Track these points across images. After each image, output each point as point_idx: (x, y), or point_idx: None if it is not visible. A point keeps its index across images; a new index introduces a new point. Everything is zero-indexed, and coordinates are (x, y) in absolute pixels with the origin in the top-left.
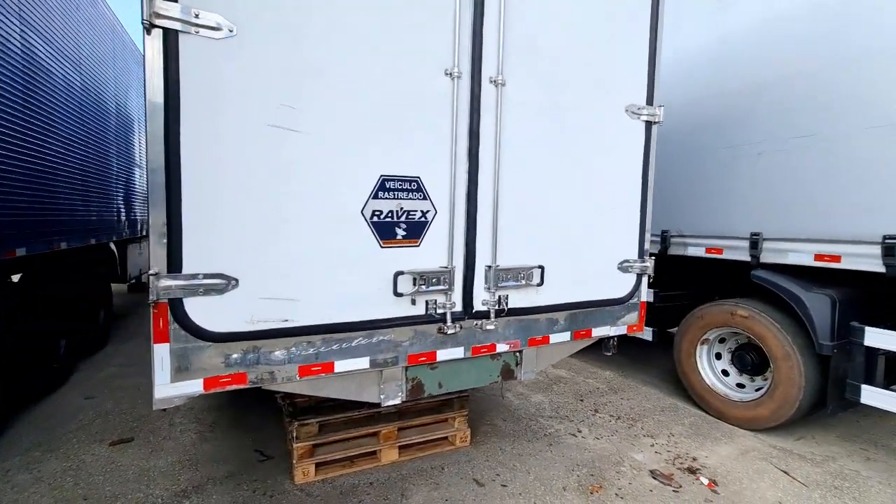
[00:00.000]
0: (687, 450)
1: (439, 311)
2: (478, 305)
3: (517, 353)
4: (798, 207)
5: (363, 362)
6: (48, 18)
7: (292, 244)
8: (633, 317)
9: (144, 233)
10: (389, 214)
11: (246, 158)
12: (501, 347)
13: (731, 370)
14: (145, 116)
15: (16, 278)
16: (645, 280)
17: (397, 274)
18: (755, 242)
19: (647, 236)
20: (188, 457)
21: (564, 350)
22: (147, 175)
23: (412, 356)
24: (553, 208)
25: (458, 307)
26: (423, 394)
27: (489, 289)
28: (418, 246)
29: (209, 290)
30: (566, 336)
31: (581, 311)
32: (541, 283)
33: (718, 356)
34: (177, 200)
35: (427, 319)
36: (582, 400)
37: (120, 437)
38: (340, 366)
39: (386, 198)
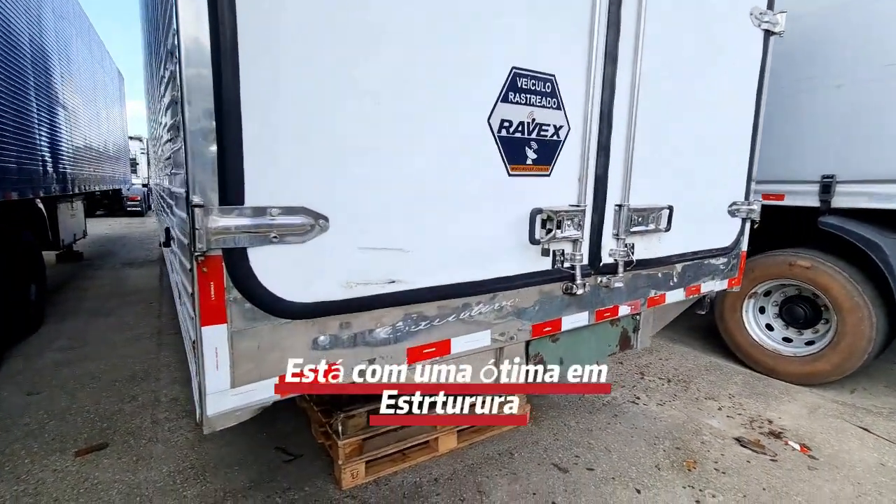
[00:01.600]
0: (757, 411)
1: (567, 264)
2: (605, 257)
3: (636, 317)
4: (884, 146)
5: (484, 338)
6: None
7: (400, 166)
8: (734, 269)
9: (77, 189)
10: (520, 128)
11: (334, 19)
12: (623, 310)
13: (777, 324)
14: None
15: None
16: (748, 226)
17: (535, 213)
18: (827, 186)
19: (755, 175)
20: (189, 463)
21: (674, 311)
22: (178, 49)
23: (536, 326)
24: (678, 133)
25: (585, 260)
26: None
27: (618, 235)
28: (549, 175)
29: (286, 235)
30: (680, 293)
31: (694, 263)
32: (668, 228)
33: (762, 310)
34: (232, 91)
35: (556, 276)
36: (621, 363)
37: (88, 443)
38: (458, 344)
39: (517, 102)
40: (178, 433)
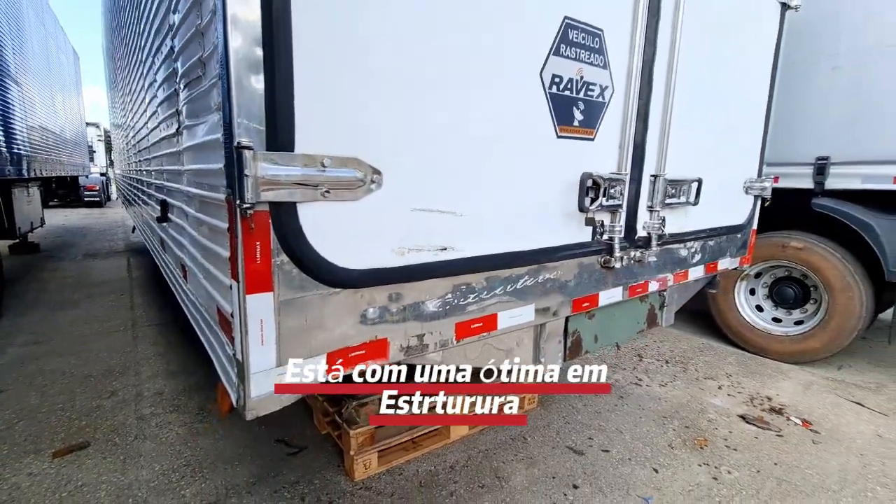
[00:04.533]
0: (755, 389)
1: (606, 236)
2: (639, 230)
3: (662, 294)
4: (880, 128)
5: (528, 312)
6: None
7: (456, 118)
8: (746, 247)
9: (34, 173)
10: (569, 85)
11: None
12: (653, 286)
13: (766, 305)
14: None
15: None
16: (759, 204)
17: (585, 177)
18: (822, 168)
19: (765, 153)
20: (184, 460)
21: (693, 289)
22: None
23: (576, 301)
24: (706, 105)
25: (622, 232)
26: (582, 352)
27: (652, 207)
28: (593, 140)
29: (338, 190)
30: (700, 270)
31: (713, 240)
32: (696, 202)
33: (752, 292)
34: (283, 21)
35: (595, 248)
36: (618, 346)
37: (67, 442)
38: (504, 319)
39: (567, 56)
40: (168, 429)
